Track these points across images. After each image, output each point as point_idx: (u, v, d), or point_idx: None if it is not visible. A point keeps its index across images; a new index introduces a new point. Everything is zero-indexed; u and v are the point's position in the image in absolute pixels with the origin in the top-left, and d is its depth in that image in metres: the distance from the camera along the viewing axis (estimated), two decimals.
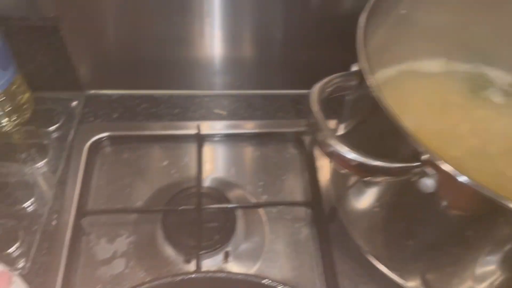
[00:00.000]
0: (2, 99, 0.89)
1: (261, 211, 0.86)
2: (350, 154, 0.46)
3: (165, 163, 0.94)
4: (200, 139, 0.93)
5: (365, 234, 0.70)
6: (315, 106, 0.50)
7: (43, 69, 0.97)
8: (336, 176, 0.78)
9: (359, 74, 0.55)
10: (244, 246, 0.82)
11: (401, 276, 0.67)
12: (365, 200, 0.67)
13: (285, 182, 0.92)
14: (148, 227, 0.84)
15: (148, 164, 0.94)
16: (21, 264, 0.78)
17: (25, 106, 0.95)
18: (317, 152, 0.93)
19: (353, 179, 0.72)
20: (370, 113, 0.54)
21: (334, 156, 0.47)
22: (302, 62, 1.04)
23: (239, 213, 0.84)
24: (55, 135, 0.95)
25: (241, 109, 1.04)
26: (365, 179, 0.50)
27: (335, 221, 0.81)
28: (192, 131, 0.96)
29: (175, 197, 0.85)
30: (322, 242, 0.81)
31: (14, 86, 0.90)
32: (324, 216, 0.83)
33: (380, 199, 0.62)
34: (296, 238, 0.84)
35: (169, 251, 0.80)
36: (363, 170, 0.48)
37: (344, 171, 0.49)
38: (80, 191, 0.86)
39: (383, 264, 0.69)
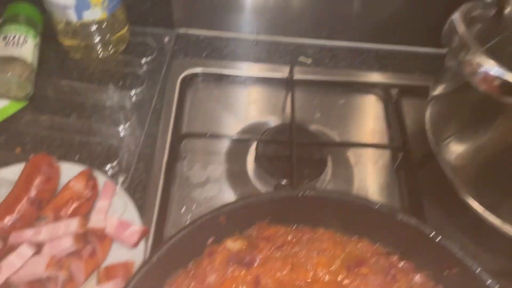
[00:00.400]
0: (103, 25, 0.92)
1: (350, 154, 0.88)
2: (500, 71, 0.47)
3: (254, 102, 0.96)
4: (291, 83, 0.94)
5: (469, 177, 0.70)
6: (461, 27, 0.51)
7: (140, 2, 1.00)
8: (436, 121, 0.78)
9: (498, 3, 0.55)
10: (331, 185, 0.84)
11: (499, 217, 0.68)
12: (475, 142, 0.68)
13: (371, 129, 0.93)
14: (240, 157, 0.87)
15: (238, 101, 0.96)
16: (120, 179, 0.83)
17: (122, 37, 0.98)
18: (404, 102, 0.95)
19: (458, 123, 0.73)
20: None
21: (481, 75, 0.48)
22: (385, 17, 1.04)
23: (329, 153, 0.86)
24: (149, 66, 0.98)
25: (325, 59, 1.05)
26: (504, 100, 0.50)
27: (426, 166, 0.83)
28: (281, 75, 0.98)
29: (267, 132, 0.87)
30: (411, 187, 0.82)
31: (116, 16, 0.94)
32: (415, 161, 0.84)
33: (497, 138, 0.62)
34: (385, 181, 0.85)
35: (260, 180, 0.83)
36: (508, 90, 0.48)
37: (484, 89, 0.49)
38: (174, 119, 0.90)
39: (482, 205, 0.69)
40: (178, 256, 0.59)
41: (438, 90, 0.82)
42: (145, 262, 0.55)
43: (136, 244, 0.72)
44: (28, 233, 0.68)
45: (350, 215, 0.65)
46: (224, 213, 0.61)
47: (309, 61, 1.03)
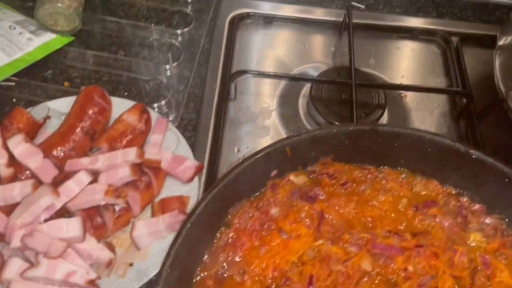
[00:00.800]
0: None
1: (408, 100, 0.84)
2: None
3: (303, 45, 0.92)
4: (350, 26, 0.89)
5: None
6: None
7: None
8: (505, 70, 0.74)
9: None
10: None
11: None
12: None
13: (429, 76, 0.89)
14: (292, 99, 0.83)
15: (287, 44, 0.92)
16: (171, 117, 0.80)
17: None
18: (465, 51, 0.89)
19: None
20: None
21: None
22: None
23: (387, 98, 0.82)
24: (196, 6, 0.94)
25: (379, 4, 0.99)
26: None
27: (489, 116, 0.79)
28: (335, 19, 0.93)
29: (322, 73, 0.84)
30: (472, 135, 0.78)
31: None
32: (478, 109, 0.79)
33: None
34: (444, 129, 0.81)
35: (313, 123, 0.80)
36: None
37: None
38: (224, 59, 0.86)
39: None
40: (243, 185, 0.58)
41: (505, 40, 0.78)
42: (213, 186, 0.53)
43: (191, 179, 0.70)
44: (85, 161, 0.66)
45: (420, 154, 0.62)
46: (290, 145, 0.59)
47: (362, 6, 0.98)
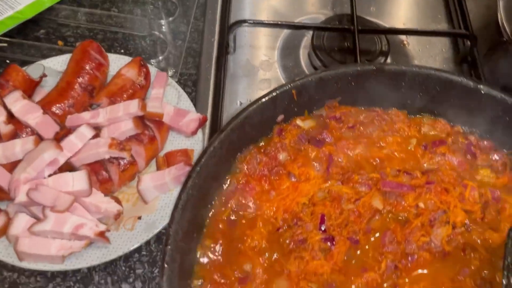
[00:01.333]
0: None
1: (410, 48, 0.83)
2: None
3: None
4: None
5: None
6: None
7: None
8: (509, 11, 0.72)
9: None
10: None
11: None
12: None
13: (430, 22, 0.87)
14: (293, 50, 0.82)
15: None
16: (170, 73, 0.79)
17: None
18: None
19: None
20: None
21: None
22: None
23: (389, 46, 0.80)
24: None
25: None
26: None
27: (495, 57, 0.78)
28: None
29: (324, 21, 0.82)
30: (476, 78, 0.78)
31: None
32: (482, 52, 0.78)
33: None
34: None
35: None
36: None
37: None
38: (221, 10, 0.84)
39: None
40: (250, 130, 0.56)
41: None
42: (221, 131, 0.52)
43: (195, 132, 0.69)
44: (86, 116, 0.65)
45: (427, 93, 0.60)
46: (296, 87, 0.57)
47: None
